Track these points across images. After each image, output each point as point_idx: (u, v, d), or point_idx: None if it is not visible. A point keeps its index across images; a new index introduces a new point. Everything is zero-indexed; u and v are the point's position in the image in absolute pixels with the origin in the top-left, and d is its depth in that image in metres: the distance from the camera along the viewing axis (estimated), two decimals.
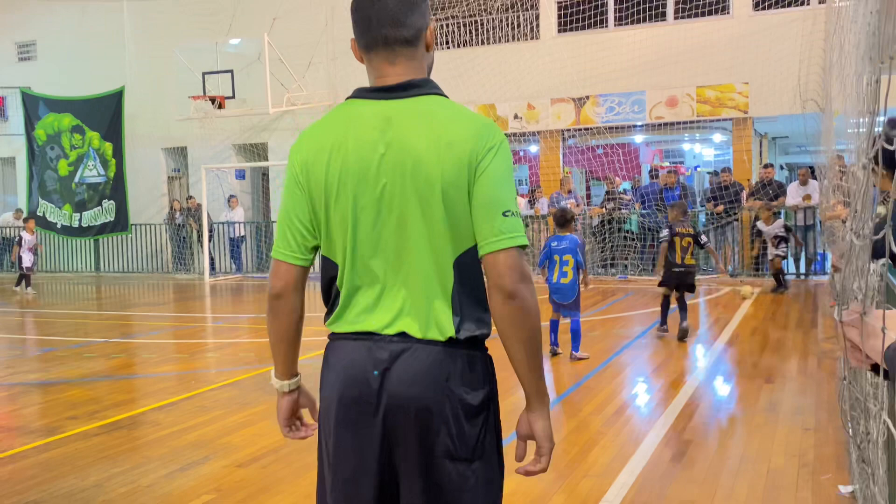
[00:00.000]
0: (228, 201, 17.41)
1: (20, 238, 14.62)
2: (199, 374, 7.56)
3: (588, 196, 17.36)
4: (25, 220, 15.68)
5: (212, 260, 17.02)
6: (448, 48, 16.48)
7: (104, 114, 18.56)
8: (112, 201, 18.78)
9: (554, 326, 7.66)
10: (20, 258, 14.57)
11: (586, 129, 15.64)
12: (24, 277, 14.56)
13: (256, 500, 4.11)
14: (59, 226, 19.32)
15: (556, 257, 7.44)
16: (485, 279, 1.85)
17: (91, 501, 4.15)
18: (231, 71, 16.23)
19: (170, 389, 6.81)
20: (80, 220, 19.07)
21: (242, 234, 17.36)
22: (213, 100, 16.00)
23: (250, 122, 17.34)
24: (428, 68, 1.95)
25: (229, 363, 8.01)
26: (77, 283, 17.17)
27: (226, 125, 17.33)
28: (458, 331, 1.81)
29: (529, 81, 15.68)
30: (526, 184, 19.12)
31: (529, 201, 15.78)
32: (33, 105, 19.33)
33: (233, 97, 16.16)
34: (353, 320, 1.89)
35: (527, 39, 16.10)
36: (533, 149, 17.67)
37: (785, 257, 12.44)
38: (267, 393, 6.43)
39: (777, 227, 12.39)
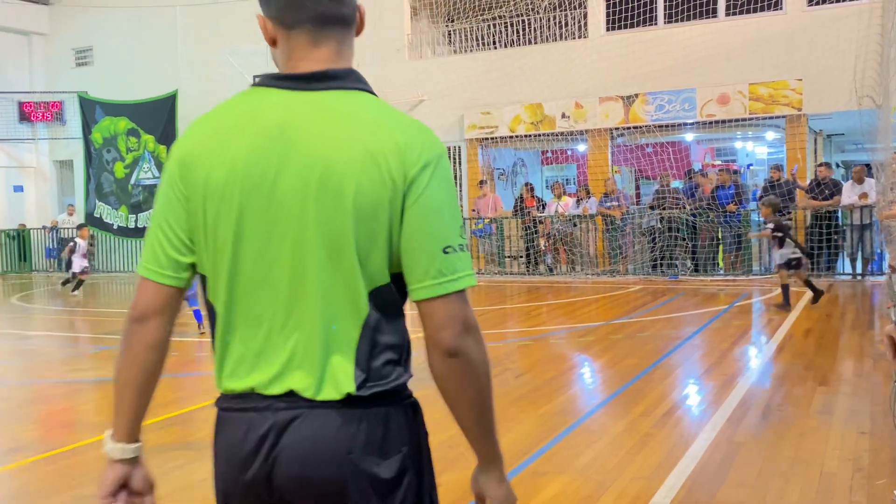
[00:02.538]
0: None
1: (74, 244, 14.96)
2: None
3: (637, 196, 17.18)
4: (80, 227, 16.01)
5: None
6: (495, 48, 16.48)
7: (158, 117, 18.97)
8: None
9: None
10: (70, 262, 14.89)
11: (635, 127, 15.49)
12: (77, 281, 14.86)
13: None
14: (115, 227, 19.80)
15: None
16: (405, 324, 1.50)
17: None
18: None
19: None
20: (135, 221, 19.51)
21: None
22: None
23: None
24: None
25: None
26: (132, 284, 17.55)
27: None
28: (360, 386, 1.44)
29: (577, 80, 15.58)
30: (573, 183, 19.01)
31: (577, 201, 15.70)
32: (90, 109, 19.85)
33: None
34: (231, 374, 1.50)
35: (574, 38, 16.01)
36: (581, 148, 17.56)
37: (792, 265, 9.99)
38: None
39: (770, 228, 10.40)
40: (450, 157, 16.87)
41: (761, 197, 13.68)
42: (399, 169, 1.40)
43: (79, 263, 14.65)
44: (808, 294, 10.15)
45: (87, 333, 11.11)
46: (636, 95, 15.27)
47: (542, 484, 4.19)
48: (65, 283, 15.36)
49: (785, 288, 9.95)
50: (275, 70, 1.56)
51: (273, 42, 1.53)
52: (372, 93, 1.51)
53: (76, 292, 14.61)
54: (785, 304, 9.86)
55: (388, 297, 1.46)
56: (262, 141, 1.43)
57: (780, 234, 10.03)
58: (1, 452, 5.23)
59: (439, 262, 1.41)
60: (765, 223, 10.69)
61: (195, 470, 4.67)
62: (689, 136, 17.01)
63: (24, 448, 5.26)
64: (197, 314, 9.62)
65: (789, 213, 13.61)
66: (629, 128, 15.59)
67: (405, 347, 1.53)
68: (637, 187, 18.65)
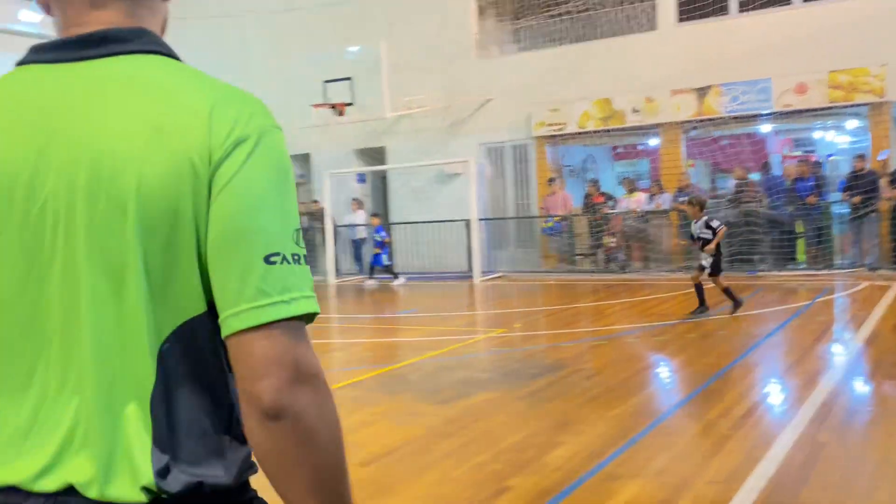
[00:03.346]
0: (350, 204, 17.86)
1: None
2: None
3: (713, 189, 16.77)
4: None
5: (336, 261, 17.48)
6: (562, 44, 16.32)
7: None
8: None
9: None
10: None
11: (709, 119, 15.12)
12: None
13: (375, 501, 4.18)
14: None
15: None
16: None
17: None
18: (350, 78, 16.63)
19: None
20: None
21: (363, 236, 17.76)
22: (333, 107, 16.44)
23: (369, 127, 17.72)
24: (162, 25, 1.21)
25: (352, 362, 8.21)
26: None
27: (346, 131, 17.78)
28: (162, 473, 1.02)
29: (647, 73, 15.30)
30: (647, 178, 18.69)
31: (650, 196, 15.42)
32: None
33: (352, 104, 16.56)
34: None
35: (643, 31, 15.72)
36: (652, 142, 17.24)
37: (706, 270, 9.53)
38: (387, 393, 6.55)
39: (699, 227, 9.63)
40: (518, 154, 16.89)
41: (847, 188, 13.18)
42: (201, 146, 1.00)
43: None
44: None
45: None
46: (709, 87, 14.90)
47: (615, 488, 4.11)
48: None
49: (698, 288, 9.65)
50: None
51: (47, 8, 1.13)
52: (174, 57, 1.13)
53: None
54: (700, 308, 9.59)
55: (203, 335, 1.05)
56: (13, 136, 1.04)
57: (707, 236, 9.48)
58: None
59: (259, 275, 0.99)
60: (694, 223, 9.72)
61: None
62: (765, 128, 16.51)
63: None
64: None
65: (873, 203, 13.08)
66: (703, 120, 15.22)
67: (235, 411, 1.07)
68: (712, 181, 18.20)
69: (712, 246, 9.40)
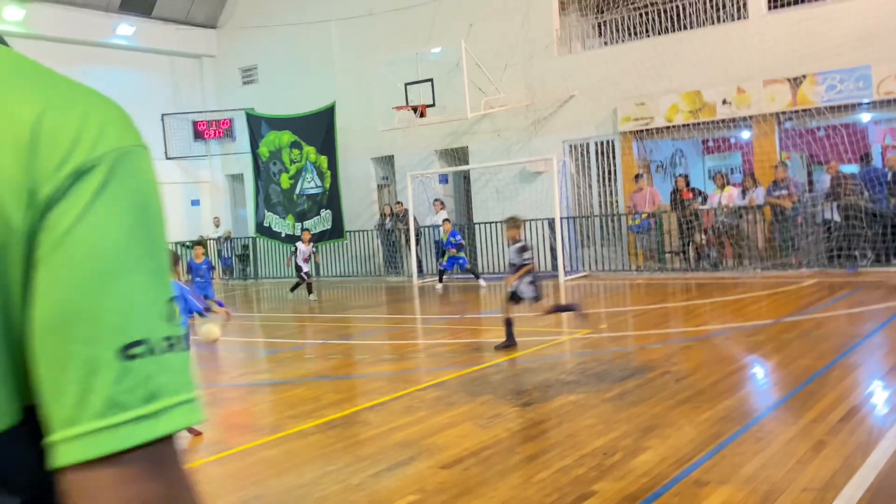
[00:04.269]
0: (432, 205, 17.94)
1: (296, 249, 15.46)
2: (408, 374, 7.81)
3: (810, 183, 16.11)
4: (303, 231, 16.66)
5: (419, 262, 17.58)
6: (648, 37, 15.97)
7: (319, 129, 19.77)
8: (329, 210, 19.96)
9: None
10: (298, 266, 15.27)
11: (804, 110, 14.52)
12: (306, 284, 15.26)
13: (458, 503, 4.15)
14: (283, 235, 20.81)
15: None
16: None
17: (307, 498, 4.39)
18: (431, 80, 16.70)
19: (380, 389, 7.09)
20: (301, 229, 20.43)
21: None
22: (415, 109, 16.54)
23: (450, 128, 17.75)
24: None
25: (435, 363, 8.22)
26: (300, 289, 18.37)
27: (427, 132, 17.86)
28: None
29: (738, 64, 14.81)
30: (739, 172, 18.11)
31: (742, 191, 14.92)
32: (256, 124, 20.98)
33: (433, 105, 16.62)
34: None
35: (733, 20, 15.23)
36: (745, 135, 16.68)
37: (522, 300, 8.41)
38: (470, 394, 6.52)
39: (514, 252, 8.56)
40: (602, 151, 16.63)
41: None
42: (15, 179, 0.69)
43: (303, 267, 15.13)
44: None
45: (261, 338, 11.70)
46: (804, 76, 14.31)
47: (703, 494, 3.97)
48: (294, 287, 15.85)
49: (507, 323, 8.45)
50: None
51: None
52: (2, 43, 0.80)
53: (312, 296, 15.14)
54: (508, 341, 8.41)
55: (13, 463, 0.72)
56: None
57: (518, 262, 8.37)
58: None
59: (111, 378, 0.68)
60: (510, 247, 8.61)
61: (361, 470, 4.77)
62: (864, 117, 15.76)
63: (196, 450, 5.59)
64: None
65: None
66: (797, 111, 14.63)
67: None
68: (809, 174, 17.49)
69: (513, 279, 8.38)
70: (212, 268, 11.52)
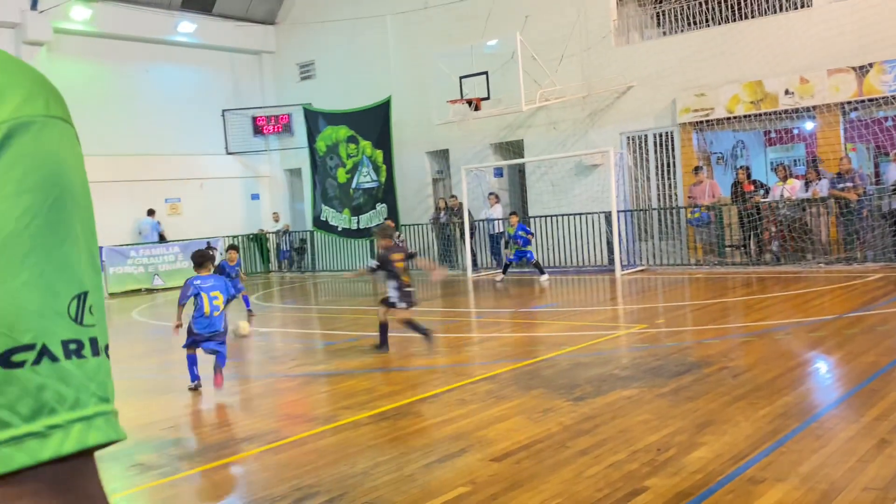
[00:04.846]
0: (487, 199, 17.90)
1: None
2: (461, 367, 7.82)
3: (877, 174, 15.61)
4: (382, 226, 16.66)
5: (474, 256, 17.58)
6: (708, 26, 15.65)
7: (374, 123, 19.90)
8: (384, 204, 20.09)
9: (192, 360, 7.55)
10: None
11: (870, 100, 14.07)
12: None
13: (508, 496, 4.15)
14: (339, 229, 21.03)
15: (204, 295, 7.35)
16: None
17: (358, 487, 4.44)
18: (486, 72, 16.66)
19: (433, 382, 7.12)
20: (357, 223, 20.62)
21: (501, 230, 17.75)
22: (469, 102, 16.52)
23: (505, 121, 17.68)
24: None
25: (488, 357, 8.21)
26: (355, 282, 18.54)
27: (482, 125, 17.82)
28: None
29: (801, 53, 14.42)
30: (802, 164, 17.64)
31: (805, 183, 14.54)
32: (314, 120, 21.22)
33: (488, 98, 16.57)
34: None
35: (796, 8, 14.82)
36: (808, 126, 16.24)
37: (399, 306, 8.62)
38: (522, 388, 6.50)
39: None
40: (661, 143, 16.37)
41: None
42: None
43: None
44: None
45: (317, 329, 11.85)
46: (870, 65, 13.86)
47: (758, 492, 3.89)
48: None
49: (409, 324, 8.55)
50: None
51: None
52: None
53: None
54: (382, 346, 8.65)
55: None
56: None
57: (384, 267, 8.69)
58: (232, 442, 5.69)
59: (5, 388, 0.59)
60: (383, 257, 8.85)
61: (413, 460, 4.80)
62: None
63: (253, 438, 5.69)
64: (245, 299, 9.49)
65: None
66: (864, 101, 14.18)
67: None
68: (876, 165, 16.95)
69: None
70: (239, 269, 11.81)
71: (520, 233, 15.05)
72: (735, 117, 15.43)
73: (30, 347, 0.58)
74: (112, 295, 17.51)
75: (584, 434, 5.10)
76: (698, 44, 15.47)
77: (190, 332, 7.42)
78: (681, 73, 15.61)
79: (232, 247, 11.82)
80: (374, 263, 8.97)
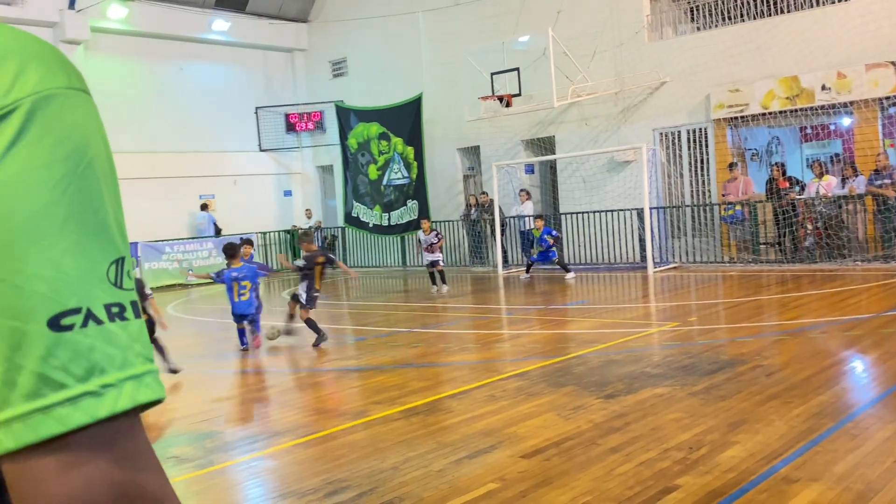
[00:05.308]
0: (518, 195, 17.86)
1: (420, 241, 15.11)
2: (490, 363, 7.82)
3: None
4: (422, 221, 16.20)
5: (504, 252, 17.55)
6: (743, 21, 15.46)
7: (406, 120, 19.96)
8: (415, 201, 20.14)
9: (240, 332, 9.61)
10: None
11: None
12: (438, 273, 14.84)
13: (537, 493, 4.15)
14: (370, 225, 21.13)
15: (235, 284, 9.39)
16: None
17: (388, 482, 4.46)
18: (517, 69, 16.61)
19: (463, 378, 7.12)
20: (388, 220, 20.69)
21: (532, 226, 17.72)
22: (501, 98, 16.49)
23: (537, 118, 17.62)
24: None
25: (518, 353, 8.20)
26: (386, 277, 18.63)
27: (513, 122, 17.78)
28: None
29: (838, 48, 14.19)
30: (839, 161, 17.35)
31: (842, 180, 14.31)
32: (346, 117, 21.33)
33: (519, 94, 16.53)
34: None
35: (833, 2, 14.58)
36: (845, 122, 15.98)
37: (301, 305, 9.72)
38: (552, 385, 6.49)
39: (303, 260, 9.95)
40: (695, 139, 16.21)
41: None
42: None
43: (427, 257, 14.76)
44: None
45: (350, 325, 11.92)
46: None
47: (792, 491, 3.84)
48: (434, 282, 14.87)
49: (308, 322, 9.53)
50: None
51: None
52: None
53: (443, 287, 14.50)
54: (320, 336, 9.42)
55: None
56: None
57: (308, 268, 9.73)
58: (264, 436, 5.75)
59: (40, 353, 0.60)
60: (308, 258, 9.82)
61: (442, 456, 4.82)
62: None
63: (284, 432, 5.74)
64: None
65: None
66: None
67: None
68: None
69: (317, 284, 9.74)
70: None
71: (545, 236, 15.01)
72: (770, 113, 15.24)
73: (76, 311, 0.60)
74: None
75: (615, 432, 5.07)
76: (733, 39, 15.30)
77: (232, 313, 9.58)
78: (715, 68, 15.44)
79: (247, 241, 12.06)
80: (301, 262, 9.95)
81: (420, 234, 15.20)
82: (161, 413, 6.39)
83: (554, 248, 15.14)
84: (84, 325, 0.60)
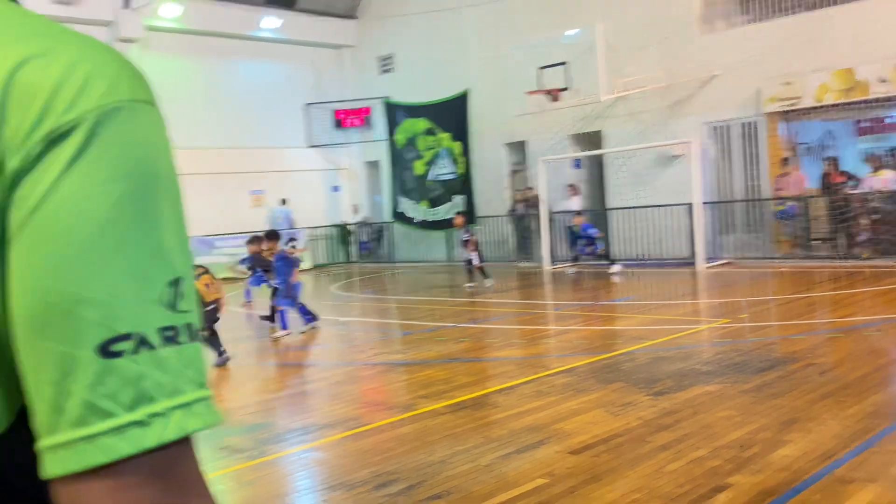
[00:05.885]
0: (566, 190, 17.76)
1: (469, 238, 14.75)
2: (538, 359, 7.81)
3: None
4: (458, 215, 16.23)
5: (551, 248, 17.46)
6: (796, 12, 15.14)
7: (453, 115, 19.98)
8: (462, 196, 20.17)
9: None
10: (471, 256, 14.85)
11: None
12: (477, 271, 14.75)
13: (586, 489, 4.14)
14: (416, 220, 21.22)
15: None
16: None
17: (437, 475, 4.49)
18: (565, 63, 16.51)
19: (510, 373, 7.13)
20: (434, 215, 20.75)
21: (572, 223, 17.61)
22: (548, 93, 16.40)
23: (584, 112, 17.48)
24: None
25: (566, 349, 8.17)
26: (432, 273, 18.67)
27: (561, 116, 17.67)
28: None
29: (894, 40, 13.81)
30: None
31: None
32: (393, 112, 21.43)
33: (567, 88, 16.42)
34: None
35: None
36: None
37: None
38: (601, 382, 6.46)
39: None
40: (746, 133, 15.94)
41: None
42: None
43: (473, 256, 14.53)
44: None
45: (395, 319, 12.00)
46: None
47: (848, 492, 3.78)
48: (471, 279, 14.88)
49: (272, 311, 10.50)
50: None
51: None
52: None
53: (485, 281, 14.41)
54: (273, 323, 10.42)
55: (17, 464, 0.65)
56: None
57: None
58: (314, 428, 5.83)
59: (88, 380, 0.59)
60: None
61: (490, 451, 4.83)
62: None
63: (334, 424, 5.82)
64: (282, 315, 10.38)
65: None
66: None
67: None
68: None
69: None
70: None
71: (584, 233, 15.01)
72: (824, 106, 14.91)
73: (127, 337, 0.59)
74: None
75: (665, 429, 5.04)
76: (785, 31, 14.99)
77: (293, 295, 10.23)
78: (767, 61, 15.15)
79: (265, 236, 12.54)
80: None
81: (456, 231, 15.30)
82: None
83: (598, 242, 15.10)
84: (135, 351, 0.59)
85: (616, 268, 14.75)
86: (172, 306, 0.61)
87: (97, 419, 0.58)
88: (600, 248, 15.04)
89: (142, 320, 0.60)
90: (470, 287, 14.36)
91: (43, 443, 0.59)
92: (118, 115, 0.61)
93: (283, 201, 21.33)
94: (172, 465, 0.61)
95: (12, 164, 0.59)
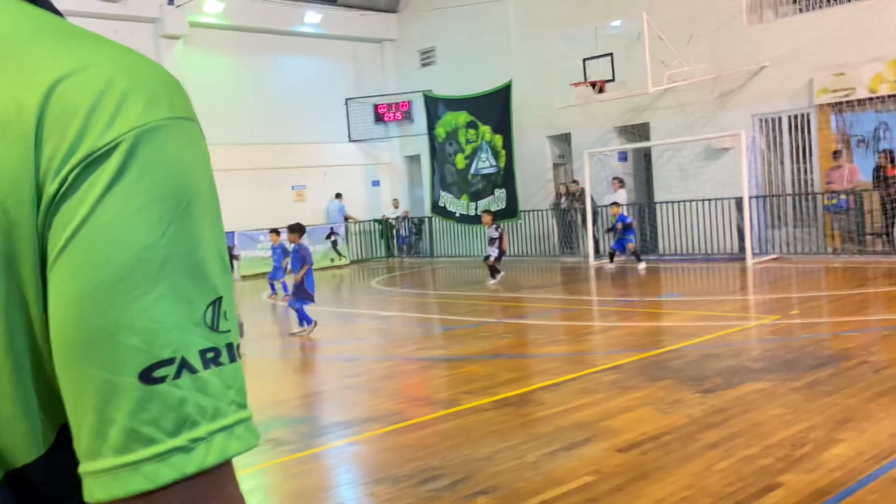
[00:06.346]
0: (611, 184, 17.56)
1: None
2: (583, 356, 7.72)
3: None
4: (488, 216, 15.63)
5: (596, 243, 17.29)
6: (849, 2, 14.75)
7: (494, 108, 19.85)
8: (503, 190, 20.05)
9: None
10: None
11: None
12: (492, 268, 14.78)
13: (635, 487, 4.06)
14: (457, 214, 21.15)
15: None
16: None
17: (482, 471, 4.45)
18: (611, 54, 16.30)
19: (555, 370, 7.05)
20: (475, 209, 20.67)
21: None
22: (593, 85, 16.22)
23: (630, 104, 17.25)
24: None
25: (612, 346, 8.07)
26: (474, 268, 18.61)
27: (606, 108, 17.47)
28: None
29: None
30: None
31: None
32: (434, 106, 21.38)
33: (612, 80, 16.21)
34: None
35: None
36: None
37: None
38: (648, 379, 6.35)
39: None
40: (796, 125, 15.58)
41: None
42: (19, 168, 0.59)
43: (492, 251, 14.48)
44: None
45: (437, 314, 11.98)
46: None
47: None
48: (493, 274, 14.66)
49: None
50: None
51: None
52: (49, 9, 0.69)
53: (490, 280, 14.41)
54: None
55: (51, 489, 0.65)
56: None
57: None
58: (357, 422, 5.82)
59: (130, 406, 0.58)
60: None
61: (536, 448, 4.78)
62: None
63: (377, 419, 5.81)
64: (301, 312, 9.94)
65: None
66: None
67: None
68: None
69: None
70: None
71: (617, 224, 14.89)
72: (878, 97, 14.51)
73: (169, 362, 0.58)
74: (243, 278, 18.27)
75: (714, 427, 4.93)
76: (837, 20, 14.61)
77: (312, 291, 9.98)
78: (818, 51, 14.79)
79: (273, 230, 12.46)
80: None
81: (487, 229, 14.97)
82: (258, 398, 6.56)
83: (631, 237, 14.92)
84: (177, 376, 0.59)
85: (642, 265, 14.58)
86: (213, 327, 0.61)
87: (140, 446, 0.58)
88: (631, 240, 14.85)
89: (183, 344, 0.59)
90: (493, 283, 14.28)
91: (85, 468, 0.59)
92: (156, 134, 0.60)
93: (338, 195, 21.56)
94: (214, 488, 0.60)
95: (50, 189, 0.58)
